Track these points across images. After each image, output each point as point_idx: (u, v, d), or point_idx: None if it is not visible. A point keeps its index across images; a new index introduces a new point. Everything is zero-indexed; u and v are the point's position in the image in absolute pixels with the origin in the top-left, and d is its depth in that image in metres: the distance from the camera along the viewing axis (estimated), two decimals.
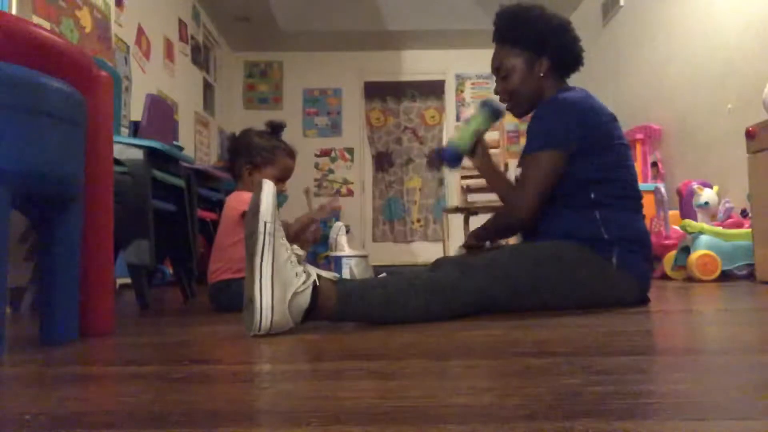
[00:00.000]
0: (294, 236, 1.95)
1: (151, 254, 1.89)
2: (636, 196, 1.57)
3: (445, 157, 1.67)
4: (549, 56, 1.59)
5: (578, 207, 1.52)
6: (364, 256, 1.85)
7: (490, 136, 4.73)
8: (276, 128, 2.00)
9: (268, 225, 1.14)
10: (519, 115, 1.68)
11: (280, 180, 1.94)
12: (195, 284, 2.41)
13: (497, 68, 1.65)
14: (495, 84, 1.68)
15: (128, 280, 2.09)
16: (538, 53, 1.59)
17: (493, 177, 1.71)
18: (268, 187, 1.16)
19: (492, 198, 4.86)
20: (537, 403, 0.58)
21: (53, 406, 0.63)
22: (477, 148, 1.69)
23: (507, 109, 1.69)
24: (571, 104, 1.51)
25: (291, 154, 2.00)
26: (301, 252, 1.19)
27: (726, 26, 3.25)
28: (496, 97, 1.68)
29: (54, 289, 1.12)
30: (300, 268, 1.17)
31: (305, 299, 1.15)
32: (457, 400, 0.61)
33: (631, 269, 1.49)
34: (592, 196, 1.51)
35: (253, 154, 1.92)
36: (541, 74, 1.60)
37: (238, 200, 1.86)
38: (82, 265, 1.18)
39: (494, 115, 1.66)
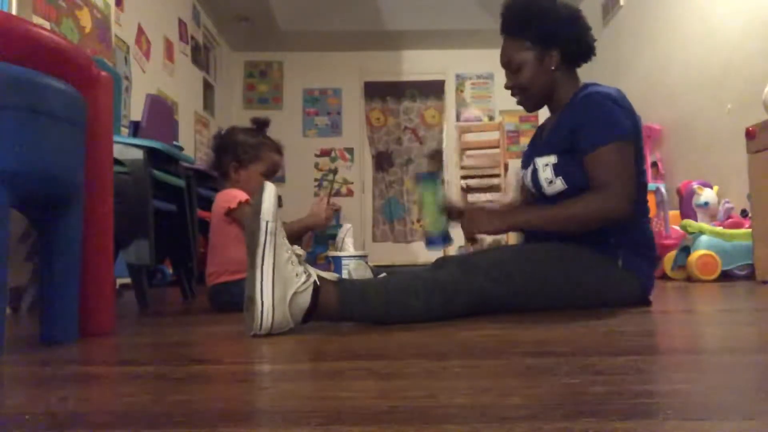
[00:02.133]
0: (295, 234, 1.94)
1: (151, 254, 1.89)
2: (645, 199, 1.55)
3: (437, 245, 1.61)
4: (559, 48, 1.55)
5: None
6: (364, 257, 1.85)
7: (491, 135, 4.74)
8: (261, 125, 1.98)
9: (269, 224, 1.14)
10: (530, 109, 1.64)
11: (267, 176, 1.93)
12: (195, 284, 2.41)
13: (507, 63, 1.60)
14: (505, 78, 1.64)
15: (128, 280, 2.09)
16: (548, 46, 1.55)
17: (508, 215, 1.60)
18: (270, 188, 1.17)
19: (492, 198, 4.85)
20: (537, 403, 0.58)
21: (53, 406, 0.63)
22: (450, 213, 1.63)
23: (518, 104, 1.65)
24: (616, 99, 1.47)
25: (277, 149, 1.98)
26: (301, 252, 1.19)
27: (726, 26, 3.25)
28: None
29: (54, 289, 1.12)
30: (300, 268, 1.17)
31: (306, 299, 1.15)
32: (457, 400, 0.61)
33: (636, 271, 1.48)
34: None
35: (239, 152, 1.91)
36: (553, 67, 1.56)
37: (224, 198, 1.85)
38: (82, 265, 1.18)
39: (434, 181, 1.62)
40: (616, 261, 1.46)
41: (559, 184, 1.50)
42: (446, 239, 1.61)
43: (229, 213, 1.82)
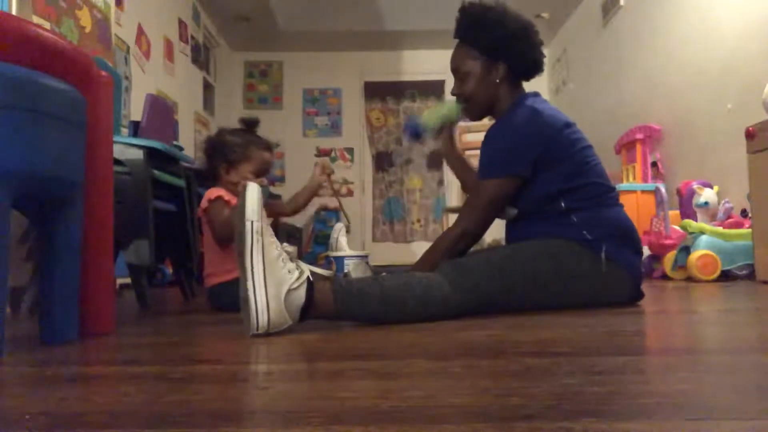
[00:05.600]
0: (303, 204, 2.07)
1: (151, 254, 1.89)
2: (608, 191, 1.56)
3: (408, 129, 1.75)
4: (506, 62, 1.58)
5: (552, 216, 1.52)
6: (365, 257, 1.85)
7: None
8: (249, 124, 1.97)
9: (254, 224, 1.14)
10: (473, 118, 1.69)
11: (258, 175, 1.92)
12: (195, 284, 2.41)
13: (455, 69, 1.64)
14: (453, 84, 1.68)
15: (128, 280, 2.09)
16: (496, 59, 1.58)
17: (457, 164, 1.82)
18: (252, 188, 1.17)
19: None
20: (537, 403, 0.58)
21: (53, 406, 0.63)
22: (443, 132, 1.76)
23: (462, 110, 1.70)
24: (519, 128, 1.50)
25: (267, 147, 1.97)
26: (291, 249, 1.20)
27: (726, 26, 3.25)
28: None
29: (54, 289, 1.12)
30: (292, 265, 1.17)
31: (300, 296, 1.15)
32: (457, 400, 0.61)
33: (622, 263, 1.49)
34: (563, 204, 1.51)
35: (228, 152, 1.90)
36: (498, 80, 1.59)
37: (205, 198, 1.86)
38: (82, 265, 1.18)
39: (456, 110, 1.72)
40: (600, 253, 1.46)
41: (511, 211, 1.58)
42: (418, 134, 1.74)
43: (204, 212, 1.84)
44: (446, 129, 1.76)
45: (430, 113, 1.73)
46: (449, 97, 1.79)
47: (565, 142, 1.51)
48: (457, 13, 1.62)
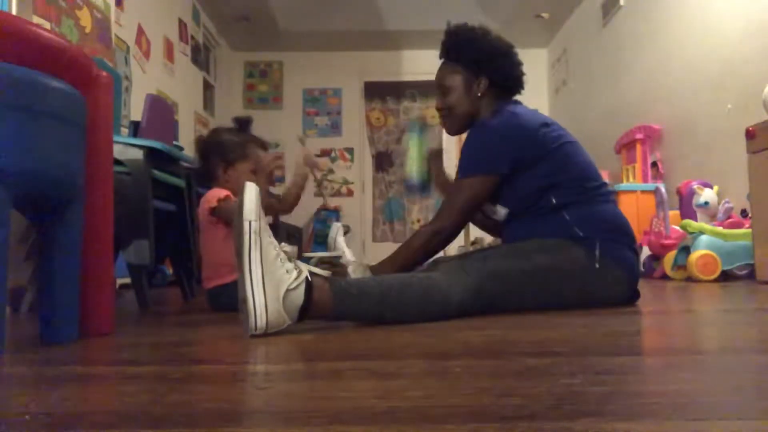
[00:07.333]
0: (296, 197, 2.06)
1: (151, 254, 1.89)
2: (598, 187, 1.56)
3: (418, 192, 1.80)
4: (488, 76, 1.63)
5: (545, 213, 1.53)
6: (337, 257, 1.87)
7: None
8: (243, 124, 1.97)
9: (253, 224, 1.14)
10: (452, 132, 1.72)
11: (256, 173, 1.92)
12: (195, 284, 2.41)
13: (438, 84, 1.69)
14: (436, 100, 1.72)
15: (128, 280, 2.09)
16: (478, 73, 1.63)
17: (445, 188, 1.86)
18: (251, 187, 1.17)
19: None
20: (537, 403, 0.58)
21: (53, 406, 0.63)
22: (432, 163, 1.83)
23: (442, 125, 1.73)
24: (496, 129, 1.54)
25: (263, 146, 1.97)
26: (290, 249, 1.19)
27: (726, 26, 3.25)
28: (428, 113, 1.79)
29: (54, 289, 1.12)
30: (290, 265, 1.17)
31: (299, 296, 1.15)
32: (457, 400, 0.61)
33: (617, 261, 1.49)
34: (553, 200, 1.52)
35: (225, 152, 1.89)
36: (479, 94, 1.64)
37: (205, 199, 1.85)
38: (82, 265, 1.18)
39: (422, 131, 1.80)
40: (594, 251, 1.46)
41: (501, 211, 1.60)
42: (424, 188, 1.76)
43: (212, 213, 1.83)
44: (433, 159, 1.83)
45: (412, 163, 1.80)
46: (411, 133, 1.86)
47: (543, 139, 1.54)
48: (443, 36, 1.68)
